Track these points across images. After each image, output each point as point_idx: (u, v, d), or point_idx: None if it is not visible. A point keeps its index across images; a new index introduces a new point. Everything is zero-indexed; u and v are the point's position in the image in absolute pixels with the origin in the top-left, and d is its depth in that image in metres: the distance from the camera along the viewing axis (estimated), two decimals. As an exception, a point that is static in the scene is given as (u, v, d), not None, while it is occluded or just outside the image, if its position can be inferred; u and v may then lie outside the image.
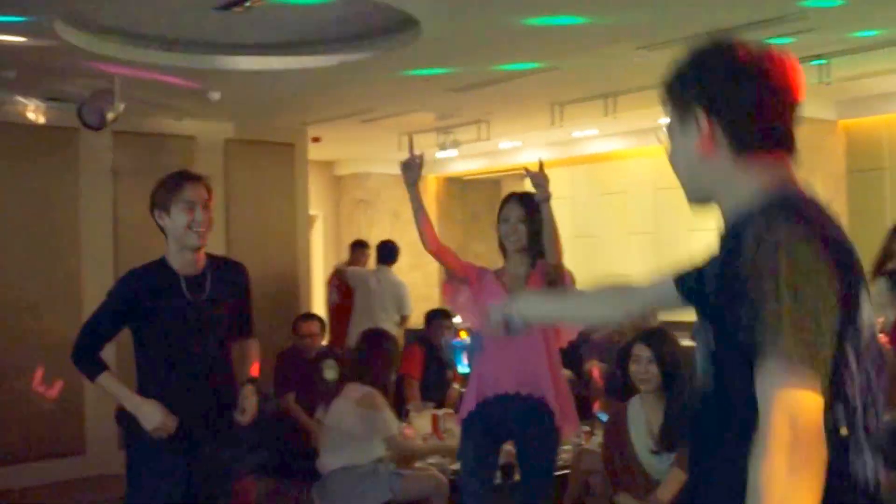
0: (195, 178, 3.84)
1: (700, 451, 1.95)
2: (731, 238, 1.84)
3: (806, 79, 1.93)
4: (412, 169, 4.49)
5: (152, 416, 3.75)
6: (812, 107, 8.69)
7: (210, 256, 3.97)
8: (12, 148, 8.11)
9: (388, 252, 9.73)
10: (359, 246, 10.46)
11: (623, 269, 11.08)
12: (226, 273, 3.96)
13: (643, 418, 4.67)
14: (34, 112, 7.96)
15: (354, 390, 5.26)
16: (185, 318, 3.82)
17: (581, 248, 11.61)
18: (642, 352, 4.64)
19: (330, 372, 7.15)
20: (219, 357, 3.94)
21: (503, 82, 7.67)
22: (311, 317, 7.61)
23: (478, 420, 4.50)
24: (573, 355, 7.67)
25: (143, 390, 3.86)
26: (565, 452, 5.75)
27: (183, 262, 3.85)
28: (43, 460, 8.16)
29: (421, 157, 4.49)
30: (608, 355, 7.00)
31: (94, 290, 8.30)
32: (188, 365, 3.85)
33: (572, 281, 4.59)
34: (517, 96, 8.38)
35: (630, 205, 11.15)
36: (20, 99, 7.81)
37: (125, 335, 3.98)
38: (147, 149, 8.81)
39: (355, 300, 9.61)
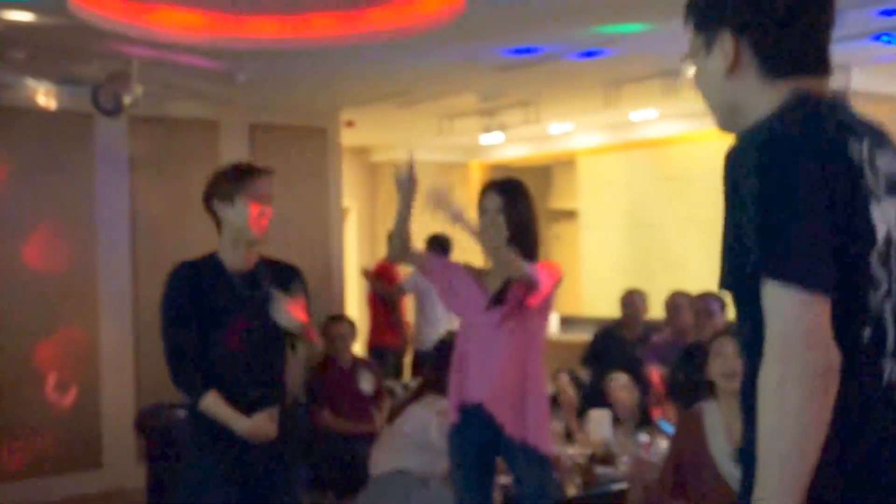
0: (266, 171, 3.95)
1: (746, 425, 2.00)
2: None
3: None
4: (406, 187, 4.41)
5: (263, 429, 3.83)
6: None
7: (264, 257, 4.04)
8: (22, 135, 8.18)
9: (439, 246, 9.58)
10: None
11: (684, 259, 11.02)
12: (280, 275, 4.00)
13: (722, 423, 4.56)
14: (45, 96, 8.02)
15: (436, 402, 5.31)
16: (243, 319, 3.88)
17: (640, 237, 11.56)
18: (726, 345, 4.55)
19: (366, 384, 7.21)
20: (277, 367, 4.01)
21: (551, 61, 7.61)
22: (341, 318, 7.63)
23: (463, 432, 4.46)
24: (630, 358, 7.62)
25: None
26: (623, 465, 5.71)
27: (235, 258, 3.92)
28: (58, 475, 8.23)
29: (413, 172, 4.38)
30: (669, 358, 6.93)
31: (111, 286, 8.43)
32: (243, 369, 3.91)
33: (551, 273, 4.46)
34: (569, 75, 8.33)
35: (692, 191, 11.05)
36: (30, 82, 7.87)
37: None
38: (166, 135, 8.87)
39: (421, 300, 9.60)
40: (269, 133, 9.49)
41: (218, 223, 3.96)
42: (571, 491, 5.15)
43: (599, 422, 6.25)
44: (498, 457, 4.55)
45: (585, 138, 12.07)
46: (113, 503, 8.20)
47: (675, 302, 7.60)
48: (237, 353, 3.88)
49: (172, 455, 6.80)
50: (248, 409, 3.86)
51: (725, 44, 1.95)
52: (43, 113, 8.09)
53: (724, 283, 1.94)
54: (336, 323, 7.47)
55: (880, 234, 1.84)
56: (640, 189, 11.58)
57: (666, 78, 8.27)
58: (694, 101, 9.68)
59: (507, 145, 12.66)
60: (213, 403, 3.82)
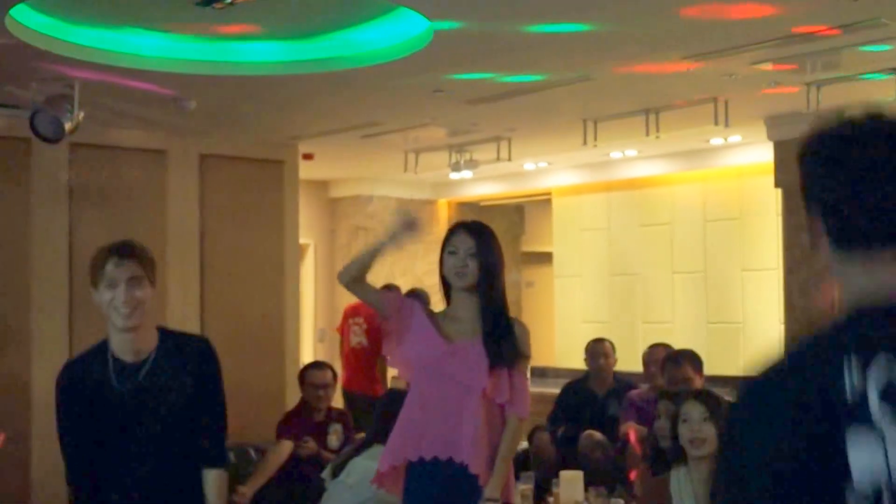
0: (120, 252, 3.83)
1: None
2: None
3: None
4: (409, 230, 4.47)
5: None
6: None
7: (166, 333, 3.98)
8: (-47, 161, 8.16)
9: (418, 300, 9.80)
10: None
11: (667, 313, 11.09)
12: (182, 353, 3.93)
13: (690, 491, 4.61)
14: (-21, 120, 8.03)
15: (381, 452, 5.36)
16: (114, 415, 3.83)
17: (619, 286, 11.63)
18: (694, 409, 4.60)
19: (335, 440, 7.24)
20: (165, 477, 3.91)
21: (527, 93, 7.70)
22: (323, 366, 7.61)
23: (426, 486, 4.47)
24: (602, 414, 7.66)
25: None
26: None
27: (121, 345, 3.86)
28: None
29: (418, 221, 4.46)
30: (647, 415, 6.95)
31: (47, 326, 8.38)
32: (120, 481, 3.87)
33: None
34: (544, 110, 8.41)
35: (676, 238, 11.15)
36: (-35, 105, 7.88)
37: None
38: (110, 164, 8.85)
39: None
40: (221, 164, 9.50)
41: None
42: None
43: (571, 483, 6.27)
44: None
45: (561, 177, 12.16)
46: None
47: (655, 355, 7.62)
48: (128, 462, 3.84)
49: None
50: None
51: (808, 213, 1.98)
52: (-25, 137, 8.10)
53: None
54: (317, 371, 7.46)
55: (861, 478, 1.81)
56: (620, 233, 11.65)
57: (647, 115, 8.37)
58: (677, 142, 9.85)
59: (478, 182, 12.74)
60: None
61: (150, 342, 3.87)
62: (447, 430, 4.38)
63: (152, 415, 3.81)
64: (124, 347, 3.84)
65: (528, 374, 4.71)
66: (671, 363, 6.86)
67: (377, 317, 10.57)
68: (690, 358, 6.84)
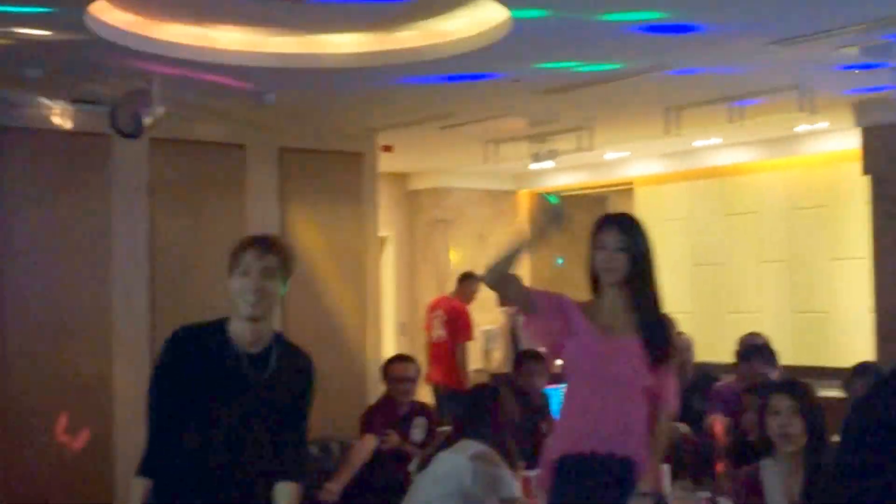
0: (259, 245, 3.94)
1: None
2: None
3: None
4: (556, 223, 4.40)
5: None
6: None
7: (281, 337, 4.04)
8: (36, 157, 8.27)
9: None
10: (471, 278, 10.90)
11: (753, 303, 10.95)
12: (290, 362, 4.01)
13: (780, 483, 4.56)
14: (61, 116, 8.13)
15: (470, 447, 5.39)
16: (220, 397, 3.90)
17: (702, 277, 11.51)
18: (782, 402, 4.54)
19: (418, 433, 7.24)
20: (242, 467, 3.95)
21: (609, 82, 7.63)
22: (407, 359, 7.60)
23: (564, 479, 4.44)
24: (685, 407, 7.58)
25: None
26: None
27: (241, 331, 3.93)
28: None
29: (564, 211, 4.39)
30: (735, 407, 6.88)
31: (127, 323, 8.48)
32: (204, 457, 3.91)
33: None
34: (625, 99, 8.35)
35: (761, 227, 11.01)
36: (45, 101, 7.99)
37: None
38: (189, 159, 8.93)
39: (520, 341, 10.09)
40: (300, 157, 9.53)
41: None
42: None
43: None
44: None
45: (643, 166, 12.07)
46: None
47: (744, 341, 7.55)
48: (214, 442, 3.90)
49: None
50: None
51: None
52: (58, 133, 8.20)
53: None
54: (401, 364, 7.44)
55: None
56: (703, 223, 11.53)
57: (731, 102, 8.27)
58: (761, 129, 9.71)
59: (559, 172, 12.68)
60: (131, 492, 3.89)
61: (265, 337, 3.94)
62: (610, 425, 4.35)
63: (247, 403, 3.90)
64: (242, 335, 3.90)
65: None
66: (742, 360, 6.81)
67: (455, 309, 10.82)
68: (760, 352, 6.76)
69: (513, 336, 11.08)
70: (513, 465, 5.93)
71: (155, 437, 3.92)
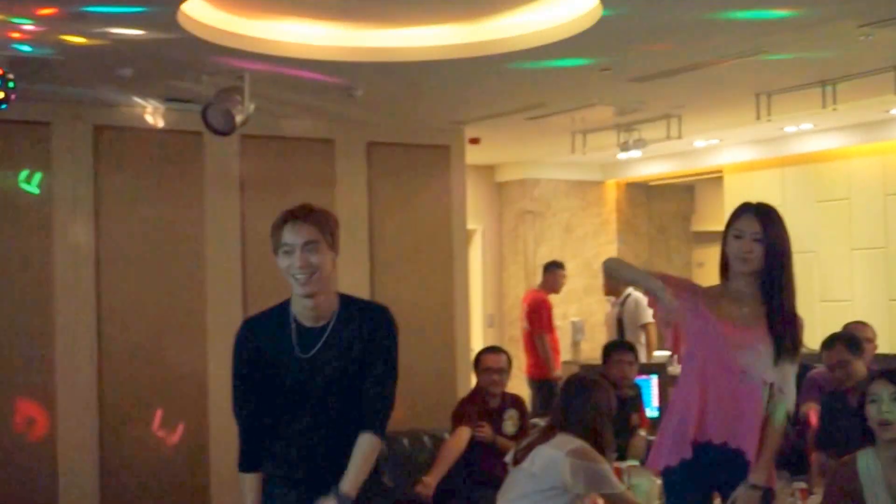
0: (296, 217, 3.87)
1: None
2: None
3: None
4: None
5: None
6: None
7: (344, 299, 4.00)
8: (129, 156, 8.41)
9: None
10: (555, 267, 11.03)
11: (846, 291, 10.82)
12: (360, 322, 3.94)
13: (880, 475, 4.49)
14: (153, 115, 8.27)
15: (568, 441, 5.39)
16: (294, 376, 3.91)
17: (795, 264, 11.39)
18: (883, 389, 4.48)
19: (511, 426, 7.26)
20: (335, 437, 3.95)
21: (698, 69, 7.58)
22: (498, 350, 7.64)
23: (689, 469, 4.41)
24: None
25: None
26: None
27: (302, 309, 3.92)
28: (166, 511, 8.44)
29: None
30: (825, 396, 6.81)
31: (221, 318, 8.60)
32: (283, 438, 3.98)
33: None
34: (715, 85, 8.28)
35: (854, 213, 10.87)
36: (138, 100, 8.13)
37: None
38: (279, 155, 9.03)
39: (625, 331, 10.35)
40: (387, 151, 9.58)
41: None
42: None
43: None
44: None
45: (733, 153, 11.98)
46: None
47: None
48: (301, 424, 3.94)
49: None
50: (307, 490, 3.90)
51: None
52: (151, 132, 8.34)
53: None
54: (492, 355, 7.46)
55: None
56: (795, 210, 11.40)
57: (823, 87, 8.17)
58: (854, 113, 9.57)
59: (647, 161, 12.63)
60: (243, 486, 4.03)
61: (330, 308, 3.91)
62: (729, 416, 4.33)
63: (322, 380, 3.88)
64: (304, 313, 3.89)
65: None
66: (825, 347, 6.73)
67: (535, 300, 10.91)
68: (845, 340, 6.67)
69: (619, 325, 11.08)
70: (609, 459, 5.93)
71: (247, 430, 3.99)
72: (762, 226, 4.33)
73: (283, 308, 3.96)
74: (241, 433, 4.00)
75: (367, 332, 3.92)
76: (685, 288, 4.48)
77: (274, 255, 3.90)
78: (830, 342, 6.69)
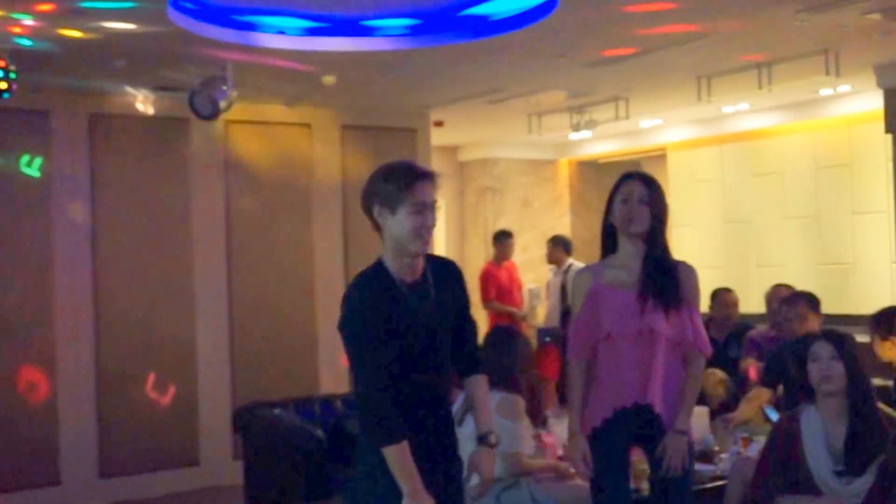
0: (428, 176, 3.58)
1: None
2: None
3: None
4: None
5: None
6: None
7: (426, 257, 3.73)
8: (121, 141, 8.44)
9: (563, 245, 11.41)
10: (502, 237, 11.04)
11: (779, 257, 10.93)
12: (442, 274, 3.74)
13: (821, 430, 4.53)
14: (144, 102, 8.25)
15: (493, 398, 4.91)
16: (416, 333, 3.60)
17: (733, 234, 11.50)
18: (823, 348, 4.53)
19: None
20: (447, 383, 3.77)
21: (644, 55, 7.63)
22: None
23: (612, 429, 4.40)
24: (722, 357, 7.60)
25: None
26: (722, 461, 5.73)
27: (401, 268, 3.61)
28: (156, 471, 8.50)
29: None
30: (767, 352, 6.89)
31: (207, 287, 8.64)
32: (421, 390, 3.67)
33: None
34: (660, 69, 8.33)
35: (787, 186, 10.96)
36: (129, 89, 8.11)
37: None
38: (260, 138, 9.04)
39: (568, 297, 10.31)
40: (360, 134, 9.62)
41: (378, 227, 3.64)
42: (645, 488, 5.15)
43: (698, 419, 6.23)
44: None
45: (676, 132, 12.04)
46: (210, 499, 8.40)
47: (777, 294, 7.52)
48: (418, 380, 3.63)
49: (266, 452, 6.95)
50: (422, 442, 3.62)
51: None
52: (142, 118, 8.34)
53: None
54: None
55: None
56: (733, 184, 11.51)
57: (759, 69, 8.24)
58: (787, 94, 9.62)
59: (596, 141, 12.69)
60: (403, 458, 3.52)
61: (421, 265, 3.69)
62: (641, 378, 4.32)
63: (438, 328, 3.66)
64: (406, 271, 3.62)
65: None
66: (786, 303, 6.76)
67: (482, 272, 10.86)
68: (806, 298, 6.74)
69: (562, 292, 11.13)
70: (537, 414, 5.79)
71: (386, 399, 3.54)
72: (647, 190, 4.34)
73: (380, 271, 3.63)
74: (381, 404, 3.52)
75: (457, 285, 3.79)
76: (591, 301, 4.40)
77: (384, 209, 3.57)
78: (792, 300, 6.72)
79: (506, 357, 5.33)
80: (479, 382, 3.86)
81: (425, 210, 3.55)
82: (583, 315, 4.39)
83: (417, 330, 3.60)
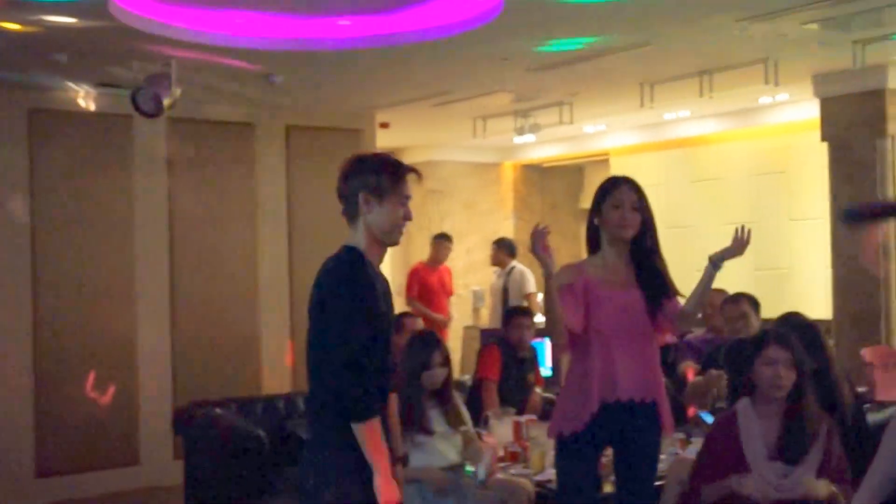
0: (414, 171, 3.74)
1: None
2: None
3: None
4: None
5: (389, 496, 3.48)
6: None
7: None
8: (63, 137, 8.28)
9: (507, 248, 11.17)
10: (439, 238, 10.97)
11: (719, 262, 10.97)
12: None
13: (757, 427, 4.52)
14: (85, 99, 8.10)
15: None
16: (388, 321, 3.70)
17: (673, 238, 11.49)
18: (779, 354, 4.48)
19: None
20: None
21: (589, 60, 7.61)
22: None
23: (588, 436, 4.36)
24: (663, 359, 7.58)
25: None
26: (661, 462, 5.70)
27: (373, 255, 3.63)
28: (95, 471, 8.33)
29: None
30: (704, 355, 6.89)
31: (148, 285, 8.51)
32: (382, 377, 3.67)
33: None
34: (604, 75, 8.31)
35: (726, 192, 11.02)
36: (71, 85, 7.96)
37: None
38: (204, 137, 8.93)
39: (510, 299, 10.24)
40: (304, 135, 9.54)
41: (352, 216, 3.65)
42: (608, 487, 5.12)
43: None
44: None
45: (618, 138, 12.06)
46: (150, 499, 8.27)
47: (712, 300, 7.52)
48: (383, 366, 3.64)
49: (207, 452, 6.84)
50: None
51: None
52: (83, 115, 8.18)
53: None
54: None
55: None
56: (674, 189, 11.54)
57: (701, 77, 8.25)
58: (727, 102, 9.66)
59: (540, 145, 12.66)
60: (378, 435, 3.51)
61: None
62: (638, 373, 4.37)
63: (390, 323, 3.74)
64: (377, 260, 3.66)
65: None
66: (730, 302, 6.76)
67: (410, 271, 10.84)
68: (748, 298, 6.74)
69: (504, 294, 11.08)
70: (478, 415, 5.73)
71: (370, 371, 3.49)
72: (638, 197, 4.37)
73: (359, 255, 3.60)
74: (366, 376, 3.48)
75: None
76: (574, 277, 4.40)
77: (378, 202, 3.59)
78: (736, 298, 6.72)
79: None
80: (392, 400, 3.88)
81: (408, 203, 3.66)
82: (573, 289, 4.36)
83: (388, 318, 3.68)
